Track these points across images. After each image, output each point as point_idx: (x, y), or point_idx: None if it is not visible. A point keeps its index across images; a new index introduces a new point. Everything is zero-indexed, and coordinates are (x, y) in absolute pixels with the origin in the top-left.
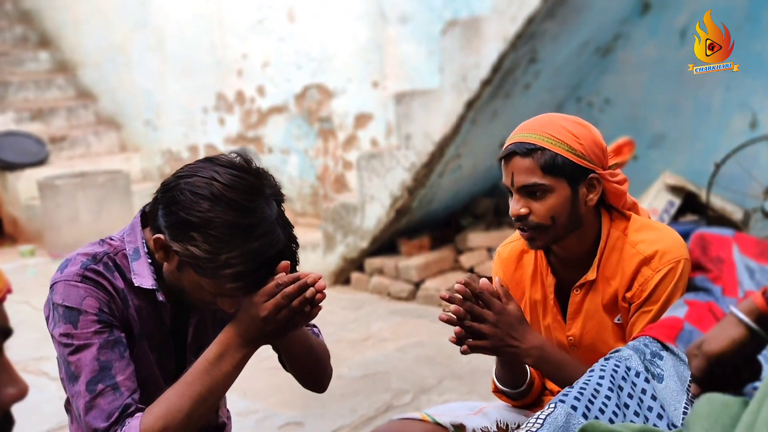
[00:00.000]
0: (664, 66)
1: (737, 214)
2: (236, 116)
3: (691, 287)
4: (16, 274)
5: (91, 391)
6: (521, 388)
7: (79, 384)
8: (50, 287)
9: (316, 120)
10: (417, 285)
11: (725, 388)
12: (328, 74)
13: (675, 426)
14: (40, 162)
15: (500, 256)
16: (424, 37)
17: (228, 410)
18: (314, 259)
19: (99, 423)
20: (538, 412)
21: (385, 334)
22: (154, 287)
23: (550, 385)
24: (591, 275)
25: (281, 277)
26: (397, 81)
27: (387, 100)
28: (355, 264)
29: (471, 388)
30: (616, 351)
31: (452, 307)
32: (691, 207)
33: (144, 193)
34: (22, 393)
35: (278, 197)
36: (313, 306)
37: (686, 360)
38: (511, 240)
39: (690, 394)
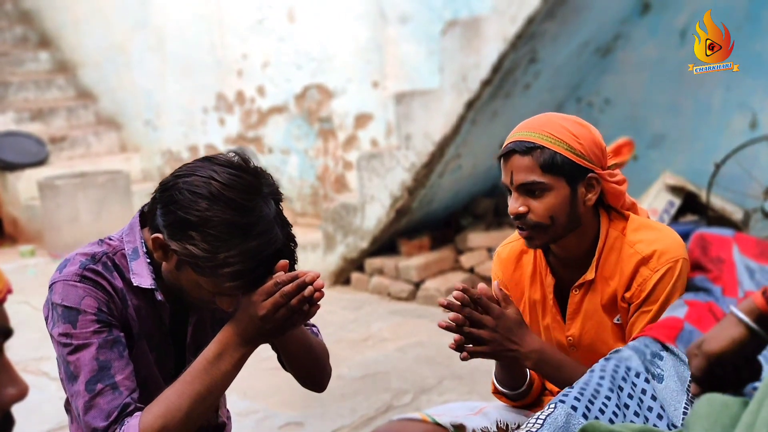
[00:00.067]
0: (664, 66)
1: (737, 215)
2: (236, 116)
3: (691, 287)
4: (16, 275)
5: (90, 391)
6: (521, 390)
7: (78, 384)
8: (49, 287)
9: (316, 120)
10: (417, 285)
11: (725, 388)
12: (328, 74)
13: (675, 426)
14: (40, 162)
15: (499, 256)
16: (424, 37)
17: (228, 410)
18: (314, 259)
19: (98, 422)
20: (538, 413)
21: (385, 335)
22: (153, 287)
23: (550, 386)
24: (590, 275)
25: (279, 275)
26: (397, 81)
27: (387, 100)
28: (355, 264)
29: (471, 388)
30: (616, 351)
31: (451, 314)
32: (691, 207)
33: (144, 194)
34: (22, 393)
35: (276, 196)
36: (311, 304)
37: (686, 360)
38: (510, 240)
39: (690, 395)
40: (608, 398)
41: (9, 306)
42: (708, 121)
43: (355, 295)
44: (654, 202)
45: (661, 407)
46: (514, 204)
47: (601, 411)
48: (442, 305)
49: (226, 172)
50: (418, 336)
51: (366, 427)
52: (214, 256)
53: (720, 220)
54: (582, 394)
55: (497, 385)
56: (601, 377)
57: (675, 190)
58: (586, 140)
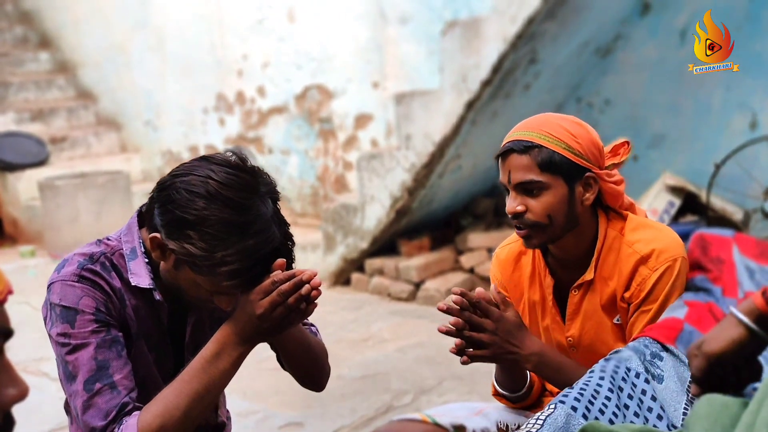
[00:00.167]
0: (664, 66)
1: (737, 215)
2: (236, 117)
3: (691, 287)
4: (16, 275)
5: (89, 390)
6: (521, 392)
7: (76, 383)
8: (47, 287)
9: (317, 120)
10: (417, 285)
11: (725, 388)
12: (328, 74)
13: (675, 427)
14: (41, 162)
15: (498, 257)
16: (424, 38)
17: (228, 410)
18: (314, 259)
19: (96, 422)
20: (539, 413)
21: (385, 335)
22: (151, 286)
23: (550, 386)
24: (588, 275)
25: (277, 274)
26: (397, 81)
27: (387, 100)
28: (356, 264)
29: (471, 389)
30: (616, 352)
31: (451, 318)
32: (691, 207)
33: (144, 194)
34: (22, 394)
35: (273, 195)
36: (308, 303)
37: (686, 361)
38: (509, 242)
39: (690, 395)
40: (608, 399)
41: (9, 306)
42: (708, 121)
43: (355, 295)
44: (654, 203)
45: (661, 408)
46: (512, 203)
47: (601, 411)
48: (441, 310)
49: (224, 171)
50: (418, 336)
51: (366, 428)
52: (212, 254)
53: (720, 220)
54: (582, 395)
55: (497, 388)
56: (601, 378)
57: (675, 190)
58: (583, 140)
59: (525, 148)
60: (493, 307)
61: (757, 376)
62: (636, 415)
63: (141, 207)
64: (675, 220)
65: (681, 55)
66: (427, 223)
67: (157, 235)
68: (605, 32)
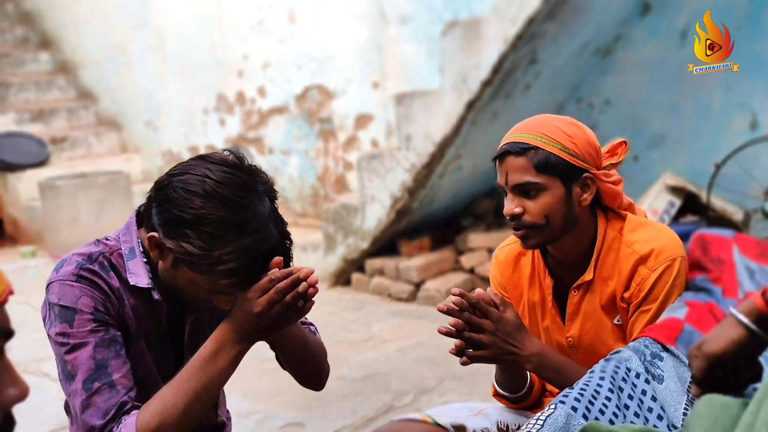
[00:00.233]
0: (665, 67)
1: (738, 215)
2: (237, 117)
3: (692, 288)
4: (16, 275)
5: (88, 390)
6: (521, 393)
7: (75, 382)
8: (46, 287)
9: (317, 121)
10: (417, 286)
11: (726, 389)
12: (329, 75)
13: (675, 427)
14: (41, 163)
15: (497, 258)
16: (424, 38)
17: (228, 410)
18: (315, 259)
19: (95, 421)
20: (539, 413)
21: (386, 335)
22: (150, 286)
23: (550, 387)
24: (588, 276)
25: (274, 272)
26: (398, 82)
27: (387, 100)
28: (356, 265)
29: (471, 389)
30: (617, 352)
31: (451, 320)
32: (691, 208)
33: (144, 194)
34: (23, 394)
35: (271, 194)
36: (306, 300)
37: (686, 361)
38: (508, 243)
39: (690, 395)
40: (608, 399)
41: (10, 307)
42: (708, 121)
43: (355, 295)
44: (654, 203)
45: (661, 408)
46: (510, 205)
47: (601, 412)
48: (441, 311)
49: (221, 170)
50: (419, 337)
51: (366, 428)
52: (209, 253)
53: (720, 220)
54: (582, 395)
55: (497, 388)
56: (601, 378)
57: (675, 190)
58: (579, 140)
59: (521, 150)
60: (493, 307)
61: (757, 376)
62: (636, 415)
63: (139, 207)
64: (675, 220)
65: (681, 55)
66: (427, 224)
67: (155, 234)
68: (605, 33)
